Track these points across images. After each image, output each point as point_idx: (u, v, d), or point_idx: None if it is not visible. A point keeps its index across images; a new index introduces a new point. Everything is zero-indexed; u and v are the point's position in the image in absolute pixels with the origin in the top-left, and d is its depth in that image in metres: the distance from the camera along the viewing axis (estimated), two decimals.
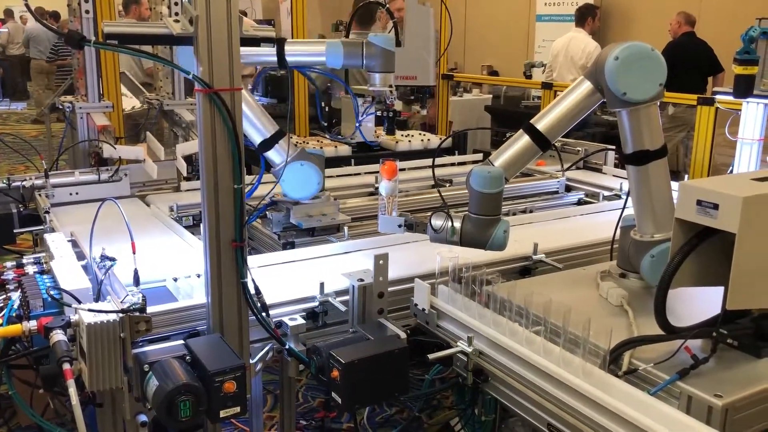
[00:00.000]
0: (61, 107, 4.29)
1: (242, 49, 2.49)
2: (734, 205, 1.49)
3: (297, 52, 2.52)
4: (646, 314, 1.76)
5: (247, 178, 2.34)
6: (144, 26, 1.96)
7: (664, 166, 2.05)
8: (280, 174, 2.67)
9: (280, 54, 2.46)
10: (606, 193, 3.45)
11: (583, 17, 6.88)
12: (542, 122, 2.12)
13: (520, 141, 2.14)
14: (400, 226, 2.17)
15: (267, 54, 2.46)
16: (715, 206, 1.53)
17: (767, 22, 3.12)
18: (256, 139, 2.62)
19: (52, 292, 1.78)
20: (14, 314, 1.77)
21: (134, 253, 1.78)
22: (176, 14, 1.72)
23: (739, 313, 1.67)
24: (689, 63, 6.21)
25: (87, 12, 3.77)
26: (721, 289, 1.58)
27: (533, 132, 2.12)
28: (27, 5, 1.87)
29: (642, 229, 2.07)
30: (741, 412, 1.47)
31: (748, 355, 1.64)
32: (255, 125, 2.62)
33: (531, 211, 3.29)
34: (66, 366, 1.52)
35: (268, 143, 2.64)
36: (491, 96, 8.30)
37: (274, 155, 2.66)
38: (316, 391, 3.16)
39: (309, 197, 2.75)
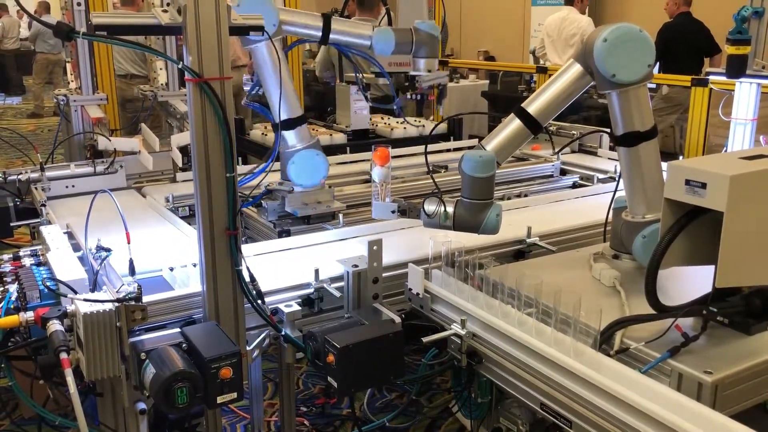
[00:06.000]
0: (55, 100, 4.29)
1: (289, 18, 2.52)
2: (722, 183, 1.50)
3: (343, 31, 2.59)
4: (638, 294, 1.77)
5: (247, 167, 2.28)
6: (132, 17, 1.97)
7: (654, 146, 2.06)
8: (290, 156, 2.68)
9: (326, 30, 2.53)
10: (600, 176, 3.47)
11: None
12: (533, 105, 2.12)
13: (512, 125, 2.13)
14: (393, 212, 2.17)
15: (312, 27, 2.55)
16: (703, 185, 1.54)
17: (759, 0, 3.12)
18: (283, 115, 2.62)
19: (48, 283, 1.79)
20: (12, 306, 1.78)
21: (129, 243, 1.79)
22: (167, 4, 1.72)
23: (729, 291, 1.68)
24: (686, 44, 6.19)
25: (79, 4, 3.76)
26: (711, 267, 1.59)
27: (524, 115, 2.12)
28: (18, 1, 1.88)
29: (633, 209, 2.08)
30: (731, 388, 1.49)
31: (738, 332, 1.66)
32: (288, 102, 2.63)
33: (526, 195, 3.30)
34: (63, 355, 1.53)
35: (291, 123, 2.66)
36: (488, 82, 8.27)
37: (291, 136, 2.68)
38: (316, 377, 3.18)
39: (309, 186, 2.76)
